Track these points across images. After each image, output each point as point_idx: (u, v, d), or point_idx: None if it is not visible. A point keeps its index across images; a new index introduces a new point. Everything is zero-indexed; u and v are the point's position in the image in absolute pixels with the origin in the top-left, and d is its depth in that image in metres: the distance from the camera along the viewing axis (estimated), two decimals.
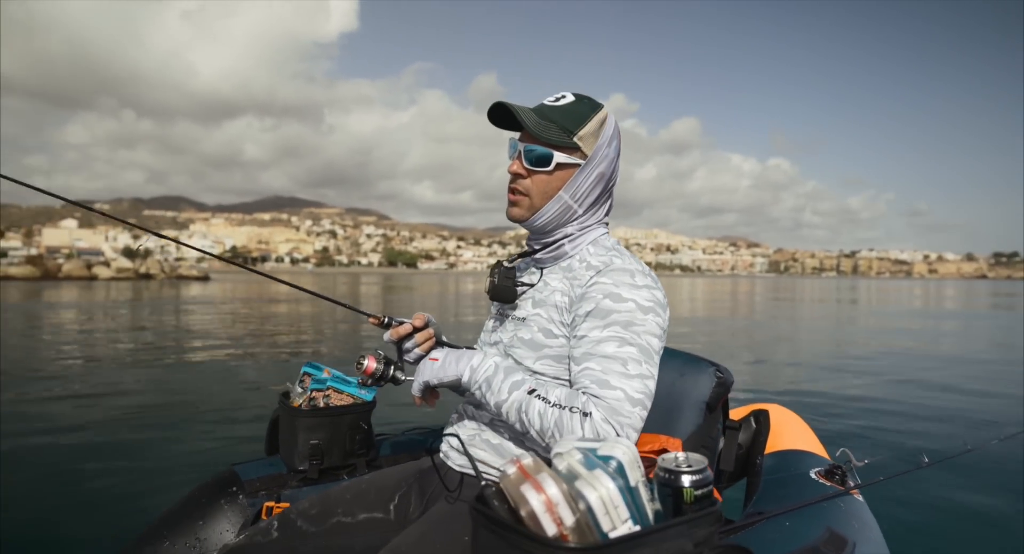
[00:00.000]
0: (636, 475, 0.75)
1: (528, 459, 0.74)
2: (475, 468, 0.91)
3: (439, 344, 1.37)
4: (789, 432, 1.85)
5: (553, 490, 0.69)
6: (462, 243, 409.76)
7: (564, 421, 1.04)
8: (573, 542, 0.68)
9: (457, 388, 1.25)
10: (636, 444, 1.23)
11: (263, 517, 1.53)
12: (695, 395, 1.36)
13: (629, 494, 0.72)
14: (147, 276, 42.38)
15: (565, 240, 1.26)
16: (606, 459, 0.75)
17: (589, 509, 0.68)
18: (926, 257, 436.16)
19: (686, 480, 0.77)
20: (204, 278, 45.46)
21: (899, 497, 2.98)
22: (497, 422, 1.24)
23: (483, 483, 0.77)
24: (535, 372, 1.21)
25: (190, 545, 1.49)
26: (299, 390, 1.79)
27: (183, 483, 2.76)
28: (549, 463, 0.77)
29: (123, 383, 5.72)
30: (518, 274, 1.32)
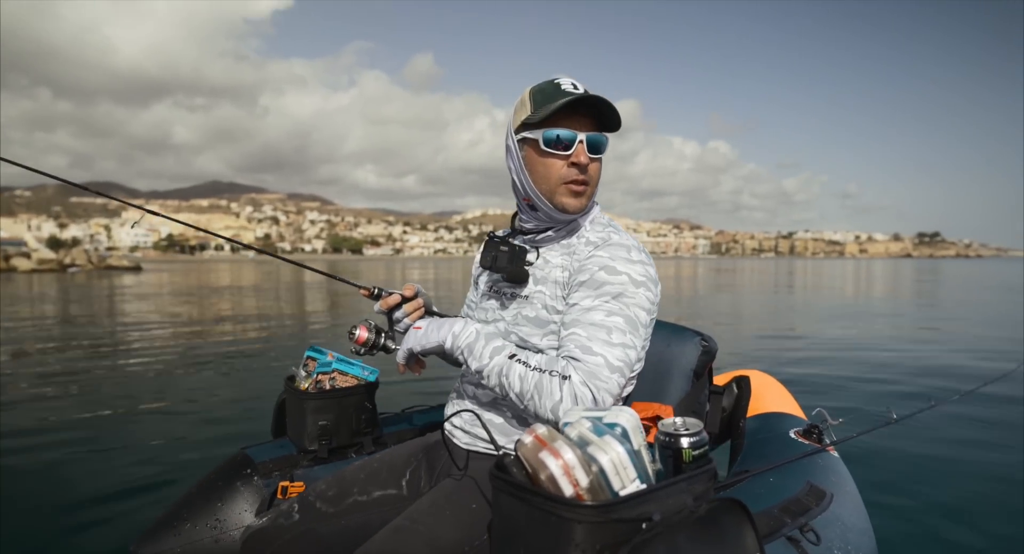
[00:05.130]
0: (639, 439, 0.82)
1: (543, 429, 0.80)
2: (494, 442, 0.99)
3: (428, 314, 1.41)
4: (769, 396, 1.95)
5: (569, 455, 0.75)
6: (408, 228, 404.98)
7: (544, 384, 1.08)
8: (588, 500, 0.73)
9: (442, 355, 1.29)
10: None
11: (279, 496, 1.60)
12: (683, 363, 1.41)
13: (635, 456, 0.78)
14: (73, 267, 39.85)
15: (580, 217, 1.29)
16: (612, 426, 0.81)
17: (601, 471, 0.75)
18: (857, 238, 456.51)
19: (684, 442, 0.84)
20: (136, 268, 43.14)
21: (872, 452, 3.16)
22: (499, 401, 1.27)
23: (501, 452, 0.83)
24: (541, 349, 1.23)
25: (211, 525, 1.56)
26: (303, 374, 1.85)
27: (194, 468, 2.82)
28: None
29: (114, 373, 5.59)
30: None
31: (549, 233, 1.30)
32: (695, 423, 0.86)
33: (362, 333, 1.36)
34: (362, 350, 1.37)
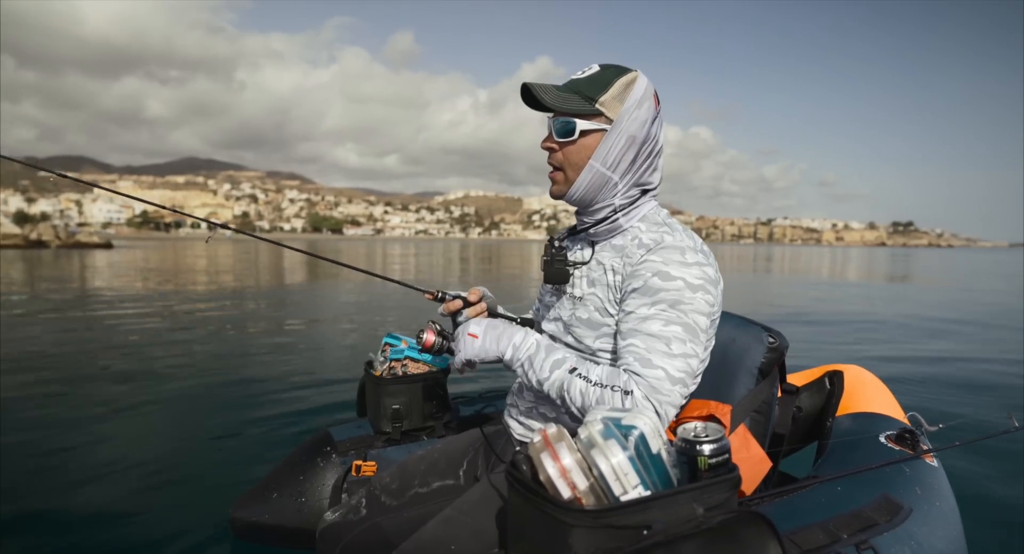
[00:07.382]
0: (657, 443, 0.80)
1: (553, 429, 0.79)
2: (514, 438, 1.03)
3: (492, 316, 1.38)
4: (866, 394, 1.78)
5: (567, 459, 0.75)
6: (389, 208, 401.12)
7: (606, 399, 1.06)
8: (587, 504, 0.73)
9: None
10: (685, 410, 1.27)
11: (353, 474, 1.74)
12: (748, 360, 1.34)
13: (640, 462, 0.76)
14: (39, 243, 38.27)
15: (617, 214, 1.24)
16: (629, 429, 0.78)
17: (601, 476, 0.74)
18: (834, 226, 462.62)
19: (701, 449, 0.80)
20: (107, 245, 41.64)
21: (992, 465, 2.65)
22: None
23: (517, 450, 0.82)
24: (596, 350, 1.23)
25: (294, 497, 1.72)
26: (381, 359, 1.94)
27: (285, 444, 3.03)
28: (575, 432, 0.80)
29: (208, 355, 5.58)
30: (570, 250, 1.33)
31: (591, 230, 1.28)
32: (716, 429, 0.83)
33: (429, 337, 1.39)
34: (429, 352, 1.41)
